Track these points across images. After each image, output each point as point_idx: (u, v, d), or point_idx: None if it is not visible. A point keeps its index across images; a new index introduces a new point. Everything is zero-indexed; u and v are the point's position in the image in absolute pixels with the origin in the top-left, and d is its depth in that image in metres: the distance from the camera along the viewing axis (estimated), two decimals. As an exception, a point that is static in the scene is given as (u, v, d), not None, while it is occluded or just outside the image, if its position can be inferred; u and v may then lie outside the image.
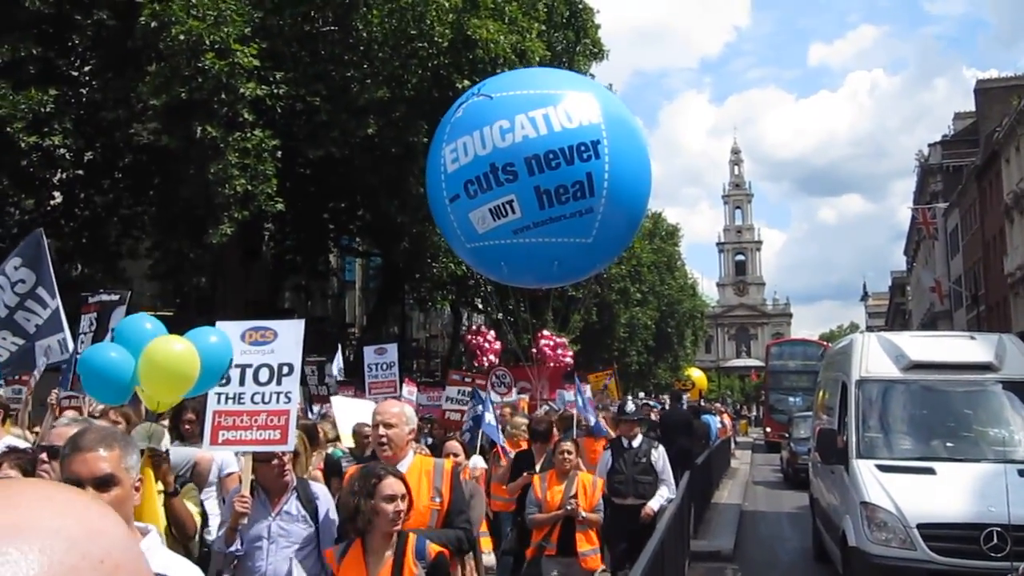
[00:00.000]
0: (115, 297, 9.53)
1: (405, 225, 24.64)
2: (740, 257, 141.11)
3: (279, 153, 20.18)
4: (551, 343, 22.99)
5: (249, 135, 19.60)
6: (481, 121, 13.65)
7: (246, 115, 19.69)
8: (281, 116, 21.19)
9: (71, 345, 8.90)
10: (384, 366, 15.48)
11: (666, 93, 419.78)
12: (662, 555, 7.60)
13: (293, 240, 29.94)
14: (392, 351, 15.77)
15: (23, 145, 19.41)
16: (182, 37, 18.86)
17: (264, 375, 5.72)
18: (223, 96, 19.38)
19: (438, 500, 5.36)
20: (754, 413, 73.91)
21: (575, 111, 13.48)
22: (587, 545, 8.36)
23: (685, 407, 22.55)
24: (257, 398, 5.68)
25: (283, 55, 21.26)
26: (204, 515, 6.42)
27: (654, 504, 10.49)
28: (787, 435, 29.14)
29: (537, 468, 9.76)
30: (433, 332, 51.01)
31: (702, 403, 38.57)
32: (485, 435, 10.65)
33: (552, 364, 22.63)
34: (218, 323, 5.93)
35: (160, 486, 5.38)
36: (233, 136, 19.39)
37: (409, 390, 15.89)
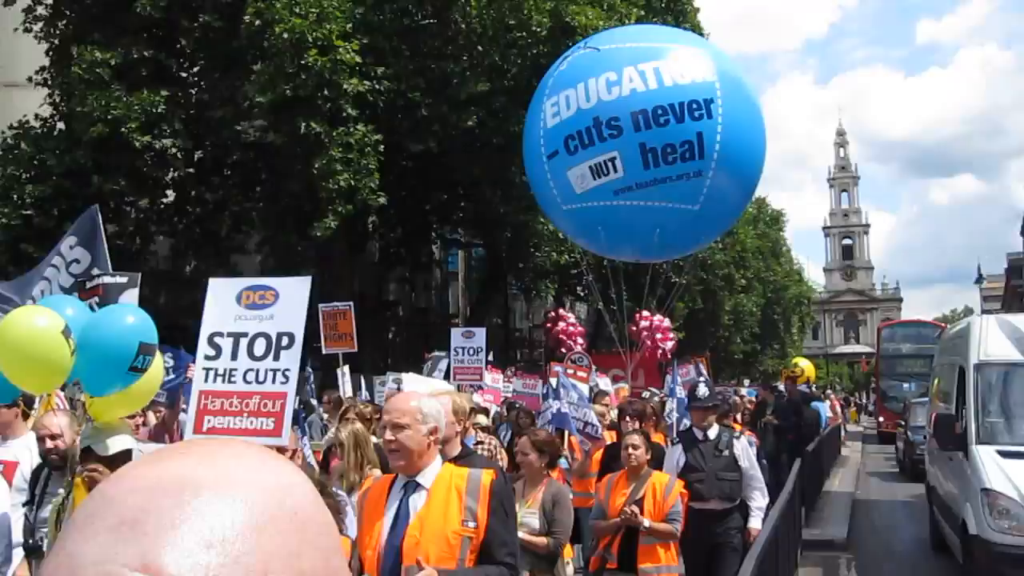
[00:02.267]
0: (123, 279, 8.47)
1: (508, 215, 24.75)
2: (847, 241, 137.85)
3: (381, 147, 20.42)
4: (649, 324, 20.88)
5: (352, 130, 19.90)
6: (586, 73, 12.84)
7: (349, 110, 20.00)
8: (383, 111, 21.43)
9: None
10: (471, 351, 14.61)
11: (769, 76, 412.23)
12: (775, 544, 7.42)
13: (397, 233, 30.28)
14: (480, 335, 14.82)
15: (137, 145, 20.07)
16: (285, 35, 19.25)
17: (260, 347, 4.81)
18: (326, 92, 19.72)
19: (472, 525, 3.89)
20: (864, 401, 72.23)
21: (688, 67, 12.58)
22: (649, 562, 6.84)
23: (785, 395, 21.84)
24: (250, 376, 4.78)
25: (384, 50, 21.51)
26: None
27: (756, 522, 8.53)
28: (902, 424, 27.96)
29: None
30: (536, 322, 51.05)
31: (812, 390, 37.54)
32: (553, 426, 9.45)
33: (648, 352, 20.81)
34: (211, 280, 5.21)
35: None
36: (336, 131, 19.72)
37: (493, 377, 15.30)
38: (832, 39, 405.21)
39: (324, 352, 12.99)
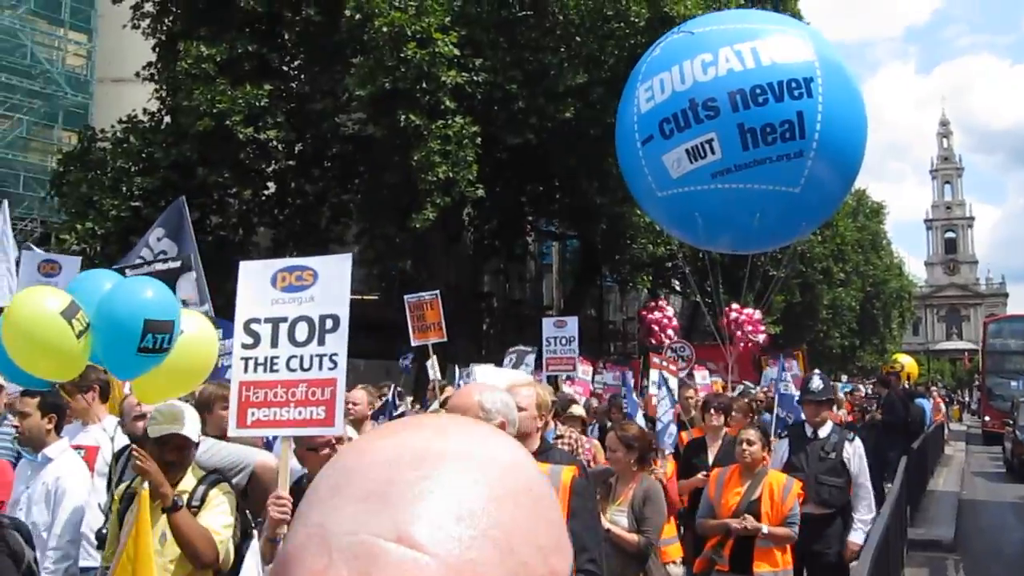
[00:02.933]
0: (175, 264, 8.17)
1: (604, 206, 24.66)
2: (950, 234, 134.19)
3: (479, 140, 20.50)
4: (739, 316, 20.41)
5: (450, 122, 20.03)
6: (681, 56, 12.45)
7: (447, 103, 20.13)
8: (480, 103, 21.52)
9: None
10: (564, 340, 14.27)
11: (869, 65, 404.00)
12: (887, 545, 7.21)
13: (492, 224, 30.40)
14: (572, 324, 14.49)
15: (241, 138, 20.50)
16: (385, 29, 19.45)
17: (302, 332, 4.51)
18: (425, 85, 19.87)
19: None
20: (967, 399, 70.27)
21: (786, 47, 12.19)
22: (767, 565, 6.42)
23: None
24: (294, 363, 4.49)
25: (481, 42, 21.60)
26: (246, 531, 5.16)
27: (857, 537, 7.66)
28: (1010, 423, 27.00)
29: (710, 460, 8.26)
30: (630, 314, 50.82)
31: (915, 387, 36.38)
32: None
33: (742, 343, 20.23)
34: (242, 263, 4.84)
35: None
36: (435, 124, 19.86)
37: (584, 369, 15.10)
38: (935, 26, 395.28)
39: (413, 343, 12.83)
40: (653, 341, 22.10)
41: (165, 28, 24.48)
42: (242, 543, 5.20)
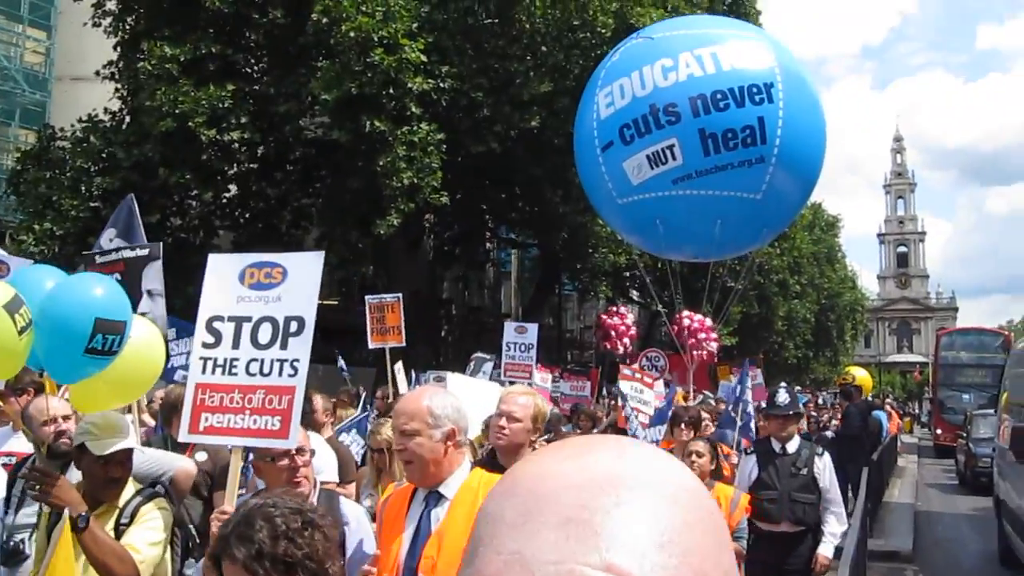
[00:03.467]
0: (143, 252, 7.94)
1: (567, 215, 24.74)
2: (902, 249, 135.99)
3: (444, 146, 20.50)
4: (691, 324, 19.50)
5: (416, 128, 20.00)
6: (641, 61, 12.31)
7: (413, 109, 20.10)
8: (445, 109, 21.52)
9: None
10: (523, 347, 14.33)
11: (825, 80, 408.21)
12: (863, 559, 7.30)
13: (453, 231, 30.40)
14: (532, 331, 14.57)
15: (203, 139, 20.32)
16: (352, 33, 19.39)
17: (265, 334, 4.17)
18: (391, 91, 19.83)
19: None
20: (918, 411, 71.23)
21: (746, 52, 12.10)
22: None
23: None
24: (254, 367, 4.14)
25: (448, 49, 21.60)
26: (186, 545, 4.95)
27: (827, 550, 7.61)
28: (963, 435, 27.29)
29: None
30: (588, 323, 51.04)
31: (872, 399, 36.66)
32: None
33: (694, 352, 19.32)
34: (211, 256, 4.63)
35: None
36: (401, 130, 19.82)
37: (543, 376, 14.93)
38: (890, 44, 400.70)
39: (370, 346, 12.63)
40: (608, 347, 22.05)
41: (127, 27, 24.20)
42: (183, 561, 5.01)
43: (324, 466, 5.78)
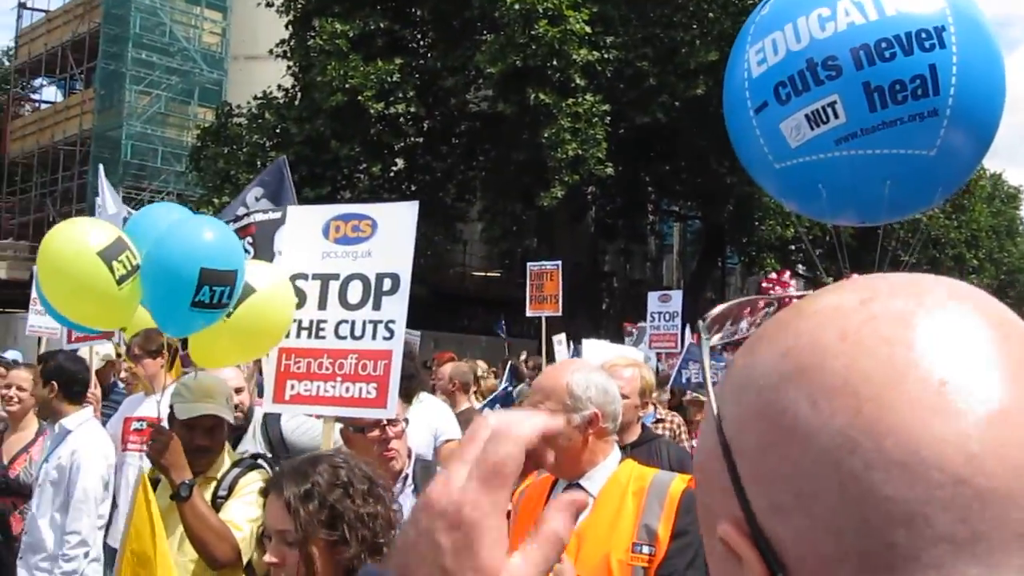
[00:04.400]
0: (276, 215, 8.08)
1: (733, 186, 24.25)
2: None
3: (608, 118, 20.37)
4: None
5: (581, 100, 19.92)
6: (794, 12, 11.51)
7: (578, 80, 20.01)
8: (609, 80, 21.35)
9: None
10: (667, 316, 13.31)
11: (1008, 43, 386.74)
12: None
13: (615, 203, 30.21)
14: (676, 299, 13.62)
15: (372, 113, 20.77)
16: (516, 6, 19.41)
17: (355, 293, 3.76)
18: (555, 62, 19.79)
19: (647, 551, 2.78)
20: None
21: None
22: None
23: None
24: (344, 329, 3.75)
25: (612, 19, 21.40)
26: None
27: None
28: None
29: None
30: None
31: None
32: None
33: None
34: (290, 208, 4.36)
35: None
36: (565, 102, 19.77)
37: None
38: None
39: (528, 314, 12.35)
40: None
41: (299, 5, 24.91)
42: None
43: (446, 426, 5.43)
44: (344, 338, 3.75)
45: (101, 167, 7.90)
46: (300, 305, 3.80)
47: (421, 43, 24.93)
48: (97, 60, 33.60)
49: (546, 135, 19.57)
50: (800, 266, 35.64)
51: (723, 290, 40.63)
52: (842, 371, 0.56)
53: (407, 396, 4.77)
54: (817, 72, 11.35)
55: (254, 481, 3.66)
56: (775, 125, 11.88)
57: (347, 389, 3.71)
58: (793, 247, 31.40)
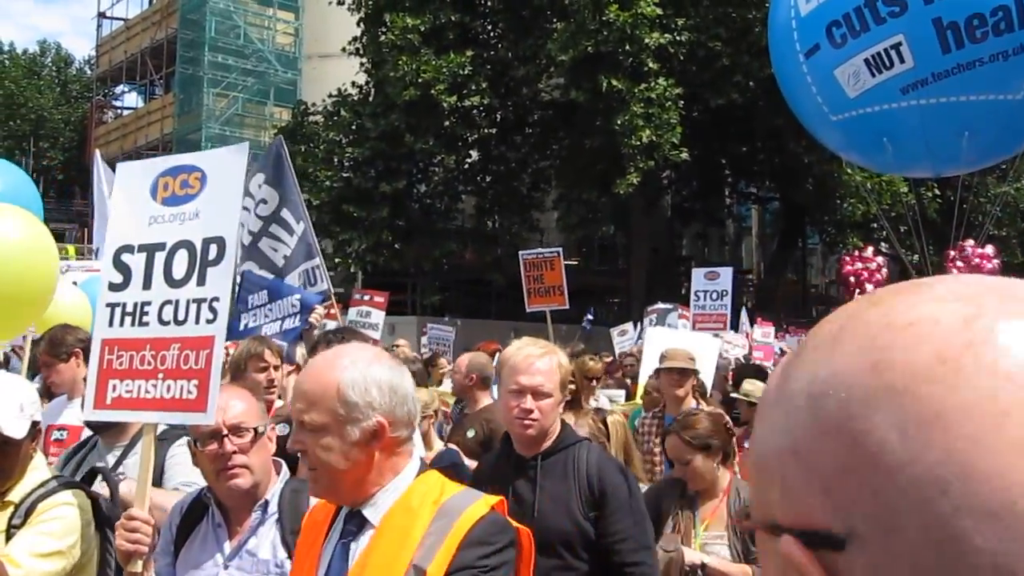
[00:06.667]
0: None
1: (812, 165, 23.87)
2: None
3: (681, 102, 20.19)
4: (966, 253, 17.27)
5: (653, 84, 19.78)
6: None
7: (650, 64, 19.87)
8: (682, 63, 21.15)
9: (325, 279, 7.03)
10: (715, 295, 12.05)
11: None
12: None
13: (692, 187, 29.96)
14: (726, 276, 12.31)
15: (445, 106, 20.91)
16: (587, -8, 19.33)
17: (181, 266, 3.00)
18: (627, 47, 19.67)
19: None
20: None
21: None
22: None
23: None
24: (167, 312, 2.96)
25: (684, 1, 21.19)
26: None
27: None
28: None
29: None
30: (833, 278, 49.29)
31: None
32: None
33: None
34: (119, 166, 3.42)
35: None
36: (638, 87, 19.65)
37: (763, 332, 13.18)
38: None
39: (528, 309, 10.59)
40: (846, 297, 20.49)
41: (370, 2, 25.12)
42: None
43: None
44: (167, 323, 2.96)
45: (98, 152, 7.21)
46: (123, 286, 3.07)
47: (491, 34, 24.96)
48: (175, 65, 34.36)
49: (619, 122, 19.48)
50: (883, 244, 34.97)
51: (805, 271, 40.06)
52: (938, 400, 0.51)
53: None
54: (877, 8, 9.25)
55: (57, 506, 2.88)
56: (829, 71, 9.89)
57: (168, 388, 2.89)
58: (875, 224, 30.80)
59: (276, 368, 4.75)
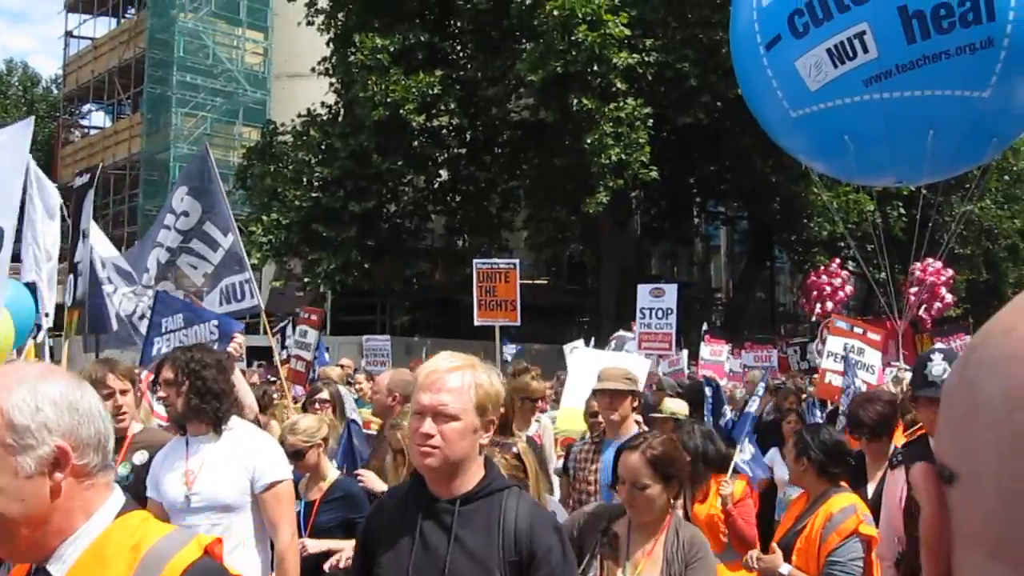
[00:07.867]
0: (84, 179, 7.08)
1: (779, 185, 24.09)
2: None
3: (650, 121, 20.32)
4: (925, 277, 17.16)
5: (622, 104, 19.90)
6: None
7: (619, 84, 20.00)
8: (650, 83, 21.30)
9: (255, 294, 6.59)
10: (660, 312, 11.12)
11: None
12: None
13: (660, 207, 30.11)
14: (671, 293, 11.43)
15: (414, 126, 20.94)
16: (556, 12, 19.44)
17: None
18: (596, 67, 19.79)
19: None
20: None
21: None
22: None
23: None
24: None
25: (652, 22, 21.38)
26: None
27: None
28: None
29: (870, 487, 4.99)
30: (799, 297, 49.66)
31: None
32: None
33: (923, 307, 17.15)
34: None
35: None
36: (607, 107, 19.77)
37: (713, 350, 12.67)
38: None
39: (477, 322, 9.69)
40: (806, 311, 20.67)
41: (339, 23, 25.15)
42: None
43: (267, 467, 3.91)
44: None
45: (32, 160, 7.06)
46: None
47: (461, 54, 25.06)
48: (143, 85, 34.17)
49: (589, 141, 19.58)
50: (851, 262, 35.27)
51: (773, 290, 40.31)
52: None
53: (215, 422, 3.87)
54: (841, -4, 9.72)
55: None
56: (790, 63, 9.39)
57: None
58: (842, 243, 31.07)
59: (124, 393, 4.42)
